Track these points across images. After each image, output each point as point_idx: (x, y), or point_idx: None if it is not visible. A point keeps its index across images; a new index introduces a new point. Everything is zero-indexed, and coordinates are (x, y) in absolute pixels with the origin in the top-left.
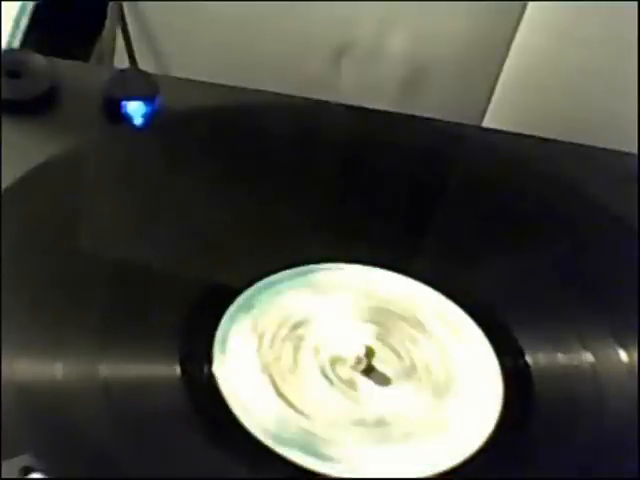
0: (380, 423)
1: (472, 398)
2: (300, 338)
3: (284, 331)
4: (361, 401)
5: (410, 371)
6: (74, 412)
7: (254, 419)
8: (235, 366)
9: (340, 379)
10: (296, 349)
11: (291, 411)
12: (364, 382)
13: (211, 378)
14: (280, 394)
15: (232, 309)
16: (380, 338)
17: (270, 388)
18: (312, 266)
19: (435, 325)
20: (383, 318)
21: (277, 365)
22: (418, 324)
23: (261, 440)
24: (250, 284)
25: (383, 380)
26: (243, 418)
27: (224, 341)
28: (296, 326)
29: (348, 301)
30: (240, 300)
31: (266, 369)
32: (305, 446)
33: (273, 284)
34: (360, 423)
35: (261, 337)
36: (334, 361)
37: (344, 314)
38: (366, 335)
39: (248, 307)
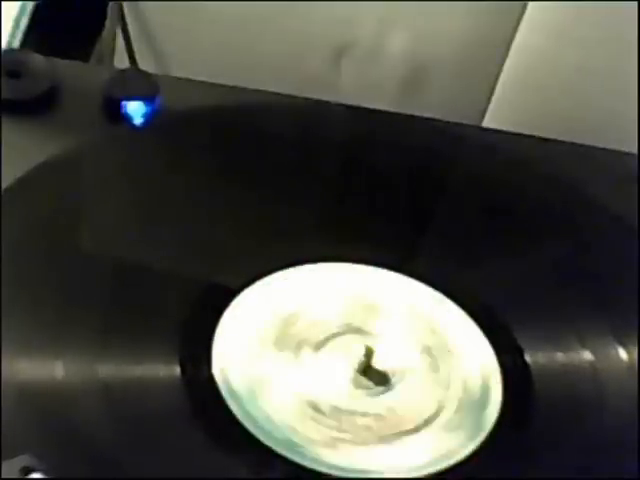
0: (381, 419)
1: (471, 397)
2: (298, 341)
3: (282, 331)
4: (364, 399)
5: (407, 365)
6: (74, 412)
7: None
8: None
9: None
10: (298, 347)
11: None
12: (365, 381)
13: (211, 378)
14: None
15: (229, 312)
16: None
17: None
18: (303, 266)
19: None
20: (362, 313)
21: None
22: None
23: (261, 440)
24: (249, 284)
25: (383, 379)
26: (243, 418)
27: (223, 344)
28: (290, 324)
29: (328, 301)
30: (236, 302)
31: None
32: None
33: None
34: (365, 422)
35: (261, 339)
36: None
37: (332, 312)
38: (353, 331)
39: (244, 310)
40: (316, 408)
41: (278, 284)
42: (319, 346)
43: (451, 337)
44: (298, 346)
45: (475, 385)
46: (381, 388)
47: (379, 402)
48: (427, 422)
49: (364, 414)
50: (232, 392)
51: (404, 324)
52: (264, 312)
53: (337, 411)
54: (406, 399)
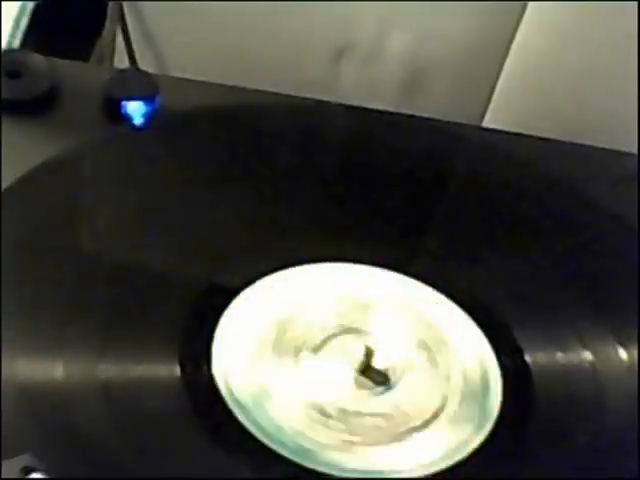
0: (390, 418)
1: (472, 397)
2: (296, 345)
3: (280, 335)
4: (368, 399)
5: (407, 364)
6: (74, 412)
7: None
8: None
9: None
10: (297, 351)
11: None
12: (367, 381)
13: (211, 378)
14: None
15: (229, 312)
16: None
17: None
18: (302, 266)
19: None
20: (359, 312)
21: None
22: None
23: (261, 440)
24: (249, 284)
25: (383, 378)
26: (243, 418)
27: (223, 346)
28: (287, 328)
29: (324, 302)
30: (234, 304)
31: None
32: (309, 455)
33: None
34: (371, 422)
35: (261, 342)
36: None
37: (329, 314)
38: (351, 332)
39: (244, 310)
40: (323, 412)
41: (278, 284)
42: (317, 349)
43: (447, 332)
44: (297, 350)
45: (474, 375)
46: (383, 387)
47: (384, 401)
48: (434, 416)
49: (372, 414)
50: (232, 392)
51: (401, 323)
52: (264, 312)
53: (345, 413)
54: (410, 395)
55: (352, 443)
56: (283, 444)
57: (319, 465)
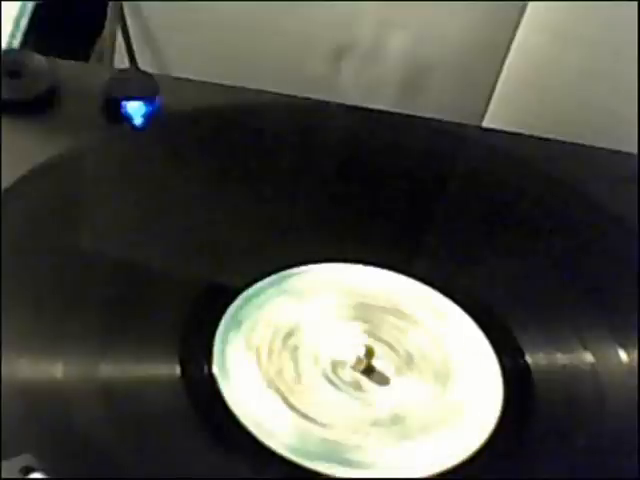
0: (395, 420)
1: (472, 398)
2: (295, 347)
3: (278, 343)
4: (371, 401)
5: (408, 362)
6: (74, 412)
7: (274, 438)
8: (240, 386)
9: (345, 382)
10: (295, 359)
11: (307, 423)
12: (368, 382)
13: (211, 378)
14: (292, 407)
15: (221, 329)
16: (370, 334)
17: (280, 402)
18: (286, 272)
19: (420, 314)
20: (367, 314)
21: (281, 378)
22: (402, 315)
23: (261, 440)
24: (249, 284)
25: (384, 378)
26: (243, 419)
27: (224, 361)
28: (288, 336)
29: (330, 302)
30: (227, 317)
31: (272, 384)
32: (330, 455)
33: (255, 296)
34: (377, 423)
35: (258, 352)
36: (334, 365)
37: (328, 316)
38: (355, 333)
39: (237, 324)
40: (327, 414)
41: (278, 284)
42: (317, 354)
43: (440, 325)
44: (296, 356)
45: (475, 385)
46: (384, 387)
47: (388, 400)
48: (436, 419)
49: (378, 413)
50: (232, 392)
51: (388, 316)
52: (253, 327)
53: (351, 419)
54: (412, 393)
55: (366, 446)
56: (292, 448)
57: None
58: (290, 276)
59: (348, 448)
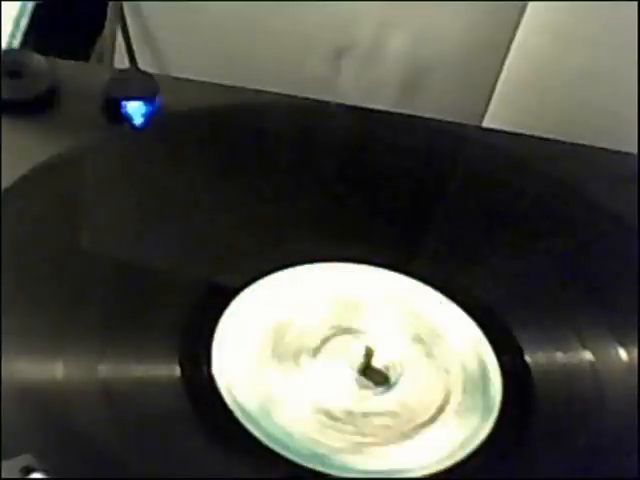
0: (395, 418)
1: (472, 398)
2: (295, 350)
3: (280, 336)
4: (372, 399)
5: (408, 361)
6: (74, 412)
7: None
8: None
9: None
10: (295, 362)
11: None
12: (368, 381)
13: (211, 378)
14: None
15: (229, 312)
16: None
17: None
18: (303, 266)
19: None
20: (358, 312)
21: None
22: (402, 314)
23: (261, 440)
24: (249, 284)
25: (384, 377)
26: (243, 418)
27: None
28: (285, 338)
29: (322, 303)
30: (236, 302)
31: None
32: (332, 457)
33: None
34: (382, 421)
35: (258, 357)
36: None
37: (322, 317)
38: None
39: (244, 310)
40: (330, 415)
41: (278, 284)
42: (317, 351)
43: (445, 330)
44: (297, 353)
45: (472, 365)
46: (385, 385)
47: (388, 399)
48: (440, 410)
49: (378, 414)
50: (231, 390)
51: (400, 322)
52: (263, 313)
53: (351, 415)
54: (412, 392)
55: (364, 444)
56: (299, 453)
57: (334, 469)
58: (290, 274)
59: (352, 446)
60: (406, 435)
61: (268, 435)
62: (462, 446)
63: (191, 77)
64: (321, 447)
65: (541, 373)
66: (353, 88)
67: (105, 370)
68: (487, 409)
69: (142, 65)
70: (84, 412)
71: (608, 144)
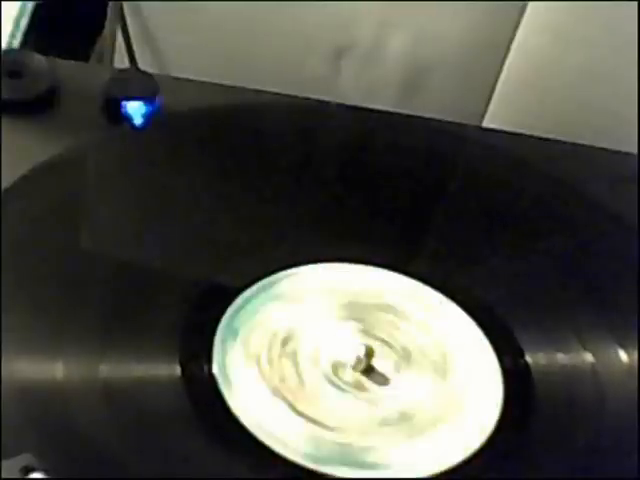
0: (401, 419)
1: (472, 397)
2: (294, 353)
3: (276, 350)
4: (376, 401)
5: (408, 361)
6: (74, 412)
7: (288, 447)
8: (246, 397)
9: (348, 384)
10: (295, 365)
11: (317, 428)
12: (370, 381)
13: (211, 378)
14: (299, 413)
15: (229, 312)
16: (368, 334)
17: (288, 410)
18: (274, 276)
19: (420, 314)
20: (364, 314)
21: (285, 385)
22: (402, 315)
23: (261, 440)
24: (249, 284)
25: (384, 378)
26: (243, 418)
27: (224, 362)
28: (285, 342)
29: (321, 304)
30: (223, 325)
31: (277, 392)
32: (345, 459)
33: (247, 303)
34: (385, 423)
35: (258, 361)
36: (335, 367)
37: (322, 318)
38: (350, 333)
39: (233, 333)
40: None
41: (278, 284)
42: (317, 359)
43: (446, 333)
44: (296, 361)
45: (475, 385)
46: (384, 388)
47: (388, 403)
48: (439, 417)
49: (385, 413)
50: (231, 390)
51: (381, 313)
52: (250, 335)
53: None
54: (411, 397)
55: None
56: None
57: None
58: (282, 279)
59: (361, 450)
60: (408, 437)
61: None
62: (461, 449)
63: (191, 77)
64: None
65: (541, 374)
66: (353, 88)
67: (105, 370)
68: (485, 423)
69: (142, 65)
70: (84, 412)
71: (608, 144)
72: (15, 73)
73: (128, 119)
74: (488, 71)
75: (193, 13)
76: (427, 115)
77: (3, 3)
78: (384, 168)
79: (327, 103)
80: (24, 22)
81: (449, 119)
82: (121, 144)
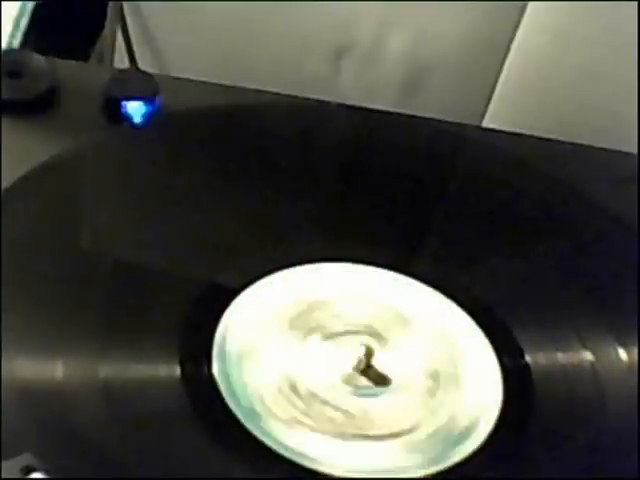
0: (350, 417)
1: (472, 397)
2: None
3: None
4: (345, 396)
5: (408, 361)
6: (74, 412)
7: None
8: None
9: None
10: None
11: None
12: (357, 380)
13: (211, 378)
14: (341, 435)
15: (229, 312)
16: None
17: (329, 437)
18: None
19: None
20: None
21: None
22: (402, 314)
23: (261, 440)
24: (250, 284)
25: (383, 379)
26: (243, 418)
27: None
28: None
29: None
30: (236, 302)
31: (297, 424)
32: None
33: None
34: (331, 413)
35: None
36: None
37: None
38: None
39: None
40: (294, 388)
41: (278, 284)
42: (330, 337)
43: (465, 366)
44: (310, 331)
45: (462, 421)
46: (368, 391)
47: (358, 402)
48: (394, 435)
49: (336, 408)
50: (231, 390)
51: (399, 323)
52: (263, 313)
53: (313, 397)
54: (387, 409)
55: (299, 422)
56: (238, 401)
57: (258, 431)
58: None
59: (285, 420)
60: (342, 436)
61: (226, 380)
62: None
63: (191, 77)
64: (261, 406)
65: (541, 373)
66: (353, 88)
67: (105, 370)
68: (435, 461)
69: (142, 65)
70: (84, 412)
71: (608, 144)
72: (15, 73)
73: (128, 119)
74: (488, 71)
75: (193, 13)
76: (427, 115)
77: (3, 3)
78: (384, 168)
79: (327, 103)
80: (24, 22)
81: (449, 119)
82: (121, 144)
